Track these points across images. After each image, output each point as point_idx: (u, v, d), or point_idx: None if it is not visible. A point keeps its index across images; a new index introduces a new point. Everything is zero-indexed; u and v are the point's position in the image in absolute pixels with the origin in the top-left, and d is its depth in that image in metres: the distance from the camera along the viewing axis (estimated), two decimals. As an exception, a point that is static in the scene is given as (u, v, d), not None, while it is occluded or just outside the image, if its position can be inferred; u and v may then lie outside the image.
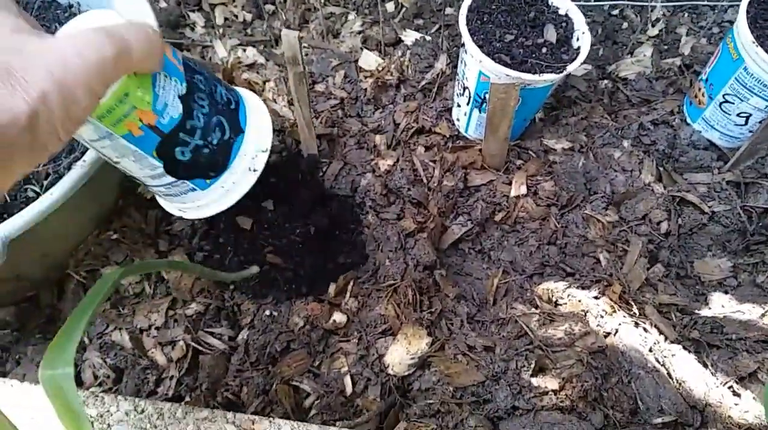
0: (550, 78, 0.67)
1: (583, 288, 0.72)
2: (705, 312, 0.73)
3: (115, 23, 0.35)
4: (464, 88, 0.77)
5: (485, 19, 0.72)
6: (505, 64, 0.68)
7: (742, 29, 0.70)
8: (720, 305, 0.74)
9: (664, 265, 0.77)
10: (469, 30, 0.70)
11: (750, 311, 0.72)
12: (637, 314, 0.68)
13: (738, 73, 0.72)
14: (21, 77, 0.27)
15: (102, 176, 0.67)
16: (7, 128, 0.26)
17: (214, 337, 0.72)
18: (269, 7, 1.07)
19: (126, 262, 0.78)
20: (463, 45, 0.72)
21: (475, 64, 0.70)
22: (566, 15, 0.74)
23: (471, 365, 0.65)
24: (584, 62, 0.94)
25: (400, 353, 0.67)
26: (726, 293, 0.76)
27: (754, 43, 0.68)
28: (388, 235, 0.77)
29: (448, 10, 1.03)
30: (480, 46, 0.69)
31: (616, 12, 1.02)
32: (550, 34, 0.72)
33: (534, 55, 0.70)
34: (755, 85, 0.71)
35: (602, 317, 0.69)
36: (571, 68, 0.68)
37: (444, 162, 0.83)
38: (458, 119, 0.85)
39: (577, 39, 0.72)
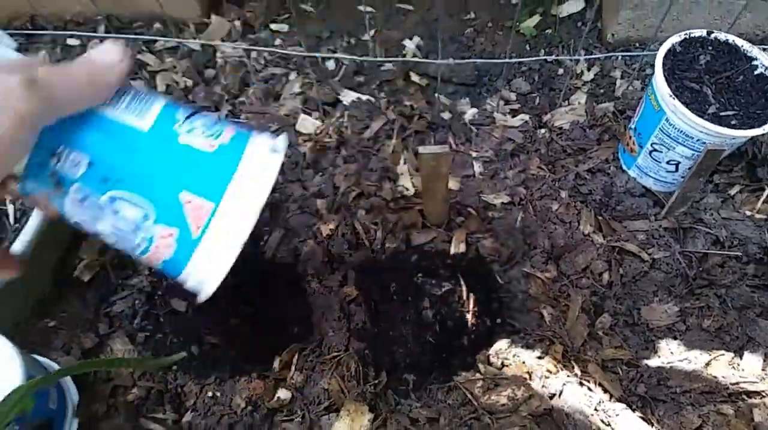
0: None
1: (527, 347, 0.71)
2: (653, 361, 0.73)
3: None
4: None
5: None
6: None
7: (659, 83, 0.71)
8: (669, 352, 0.74)
9: (611, 314, 0.77)
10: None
11: (696, 359, 0.72)
12: (580, 374, 0.68)
13: (661, 125, 0.73)
14: None
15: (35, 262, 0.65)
16: None
17: (156, 422, 0.70)
18: (210, 72, 1.08)
19: (66, 347, 0.76)
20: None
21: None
22: None
23: (414, 440, 0.64)
24: (521, 112, 0.96)
25: (343, 431, 0.65)
26: (675, 338, 0.76)
27: (671, 96, 0.69)
28: (330, 303, 0.76)
29: (387, 65, 1.04)
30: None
31: (551, 58, 1.04)
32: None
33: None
34: (678, 135, 0.72)
35: (546, 377, 0.68)
36: None
37: (386, 224, 0.83)
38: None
39: None
